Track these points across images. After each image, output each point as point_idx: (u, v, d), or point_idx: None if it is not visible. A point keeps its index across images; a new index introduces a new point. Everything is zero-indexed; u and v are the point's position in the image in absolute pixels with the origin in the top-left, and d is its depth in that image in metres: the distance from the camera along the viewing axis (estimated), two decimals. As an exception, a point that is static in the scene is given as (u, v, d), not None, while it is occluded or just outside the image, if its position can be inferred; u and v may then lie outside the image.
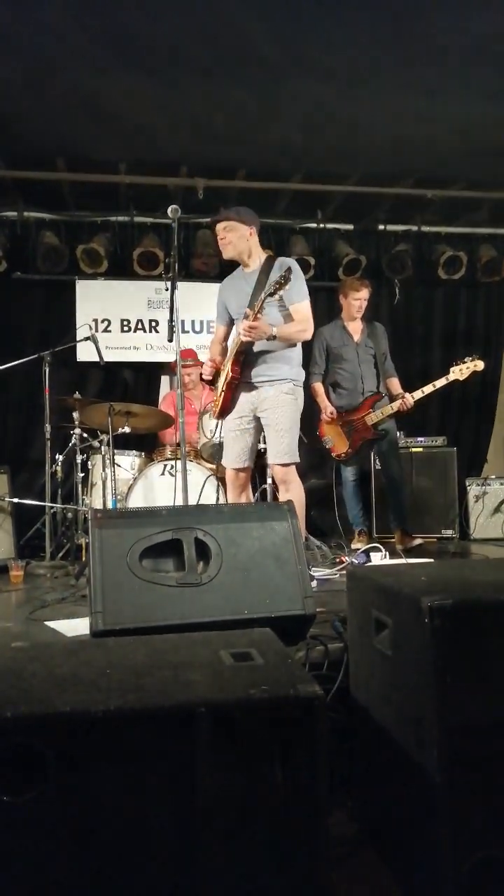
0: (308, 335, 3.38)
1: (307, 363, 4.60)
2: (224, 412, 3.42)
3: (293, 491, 3.30)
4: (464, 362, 4.42)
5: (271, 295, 3.17)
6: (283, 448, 3.28)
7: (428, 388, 4.45)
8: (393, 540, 4.58)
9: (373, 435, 4.53)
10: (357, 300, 4.65)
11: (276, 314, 3.29)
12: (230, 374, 3.31)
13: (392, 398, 4.57)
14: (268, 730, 1.15)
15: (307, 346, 5.66)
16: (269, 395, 3.30)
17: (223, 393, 3.38)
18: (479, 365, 4.41)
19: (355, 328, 4.72)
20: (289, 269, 3.21)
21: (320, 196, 5.48)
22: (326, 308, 5.88)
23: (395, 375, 4.73)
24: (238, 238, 3.40)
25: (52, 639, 2.37)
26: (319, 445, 4.69)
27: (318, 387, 4.73)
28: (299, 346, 3.41)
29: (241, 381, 3.33)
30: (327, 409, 4.61)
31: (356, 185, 5.25)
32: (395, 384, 4.67)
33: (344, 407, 4.62)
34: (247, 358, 3.31)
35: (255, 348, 3.28)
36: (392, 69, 3.78)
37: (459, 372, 4.40)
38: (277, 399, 3.29)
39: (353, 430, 4.55)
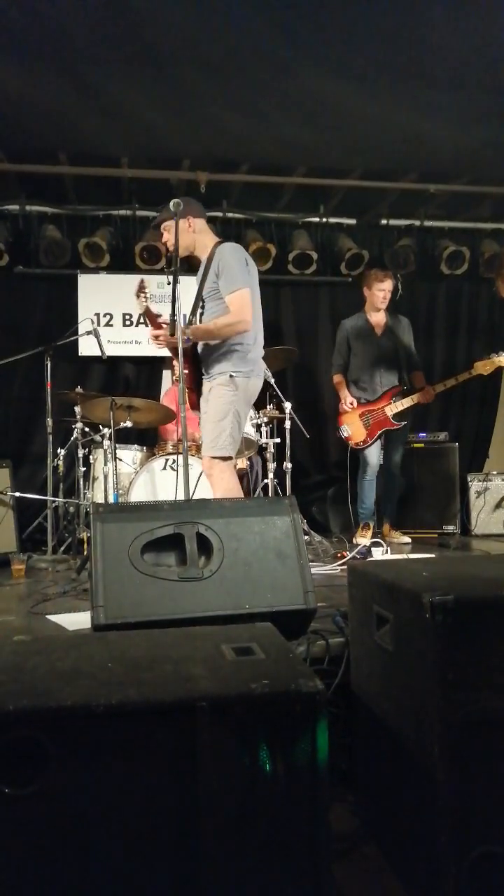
0: (243, 327, 3.11)
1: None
2: (195, 407, 3.38)
3: (216, 486, 3.16)
4: (489, 357, 4.47)
5: (202, 299, 3.14)
6: (208, 440, 3.15)
7: (450, 382, 4.57)
8: (418, 533, 4.70)
9: (392, 425, 4.60)
10: (381, 291, 4.68)
11: (217, 308, 3.18)
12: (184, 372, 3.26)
13: (414, 390, 4.61)
14: (269, 724, 1.15)
15: (324, 337, 5.76)
16: (208, 390, 3.23)
17: (186, 391, 3.32)
18: None
19: (378, 321, 4.75)
20: (219, 261, 3.12)
21: (323, 190, 5.47)
22: (329, 302, 5.90)
23: (421, 369, 4.81)
24: (178, 235, 3.25)
25: (54, 632, 2.37)
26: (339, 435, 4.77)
27: (339, 378, 4.82)
28: (252, 336, 3.19)
29: (197, 378, 3.29)
30: (347, 399, 4.68)
31: (359, 179, 5.24)
32: (419, 377, 4.72)
33: (363, 399, 4.66)
34: (195, 356, 3.27)
35: (199, 346, 3.25)
36: (395, 63, 3.75)
37: (483, 367, 4.46)
38: (212, 392, 3.18)
39: (373, 420, 4.60)
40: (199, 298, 3.27)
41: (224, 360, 3.17)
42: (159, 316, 3.25)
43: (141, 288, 3.34)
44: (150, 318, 3.30)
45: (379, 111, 4.24)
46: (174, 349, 3.10)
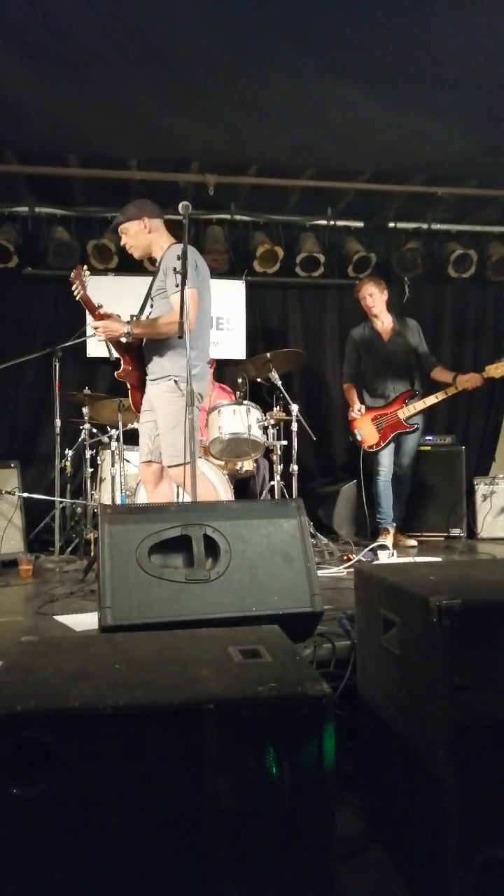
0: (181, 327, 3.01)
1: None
2: (138, 409, 3.35)
3: (188, 490, 3.07)
4: (501, 360, 4.48)
5: (151, 297, 3.11)
6: (168, 451, 3.10)
7: (464, 383, 4.53)
8: (425, 536, 4.67)
9: (405, 428, 4.61)
10: (362, 299, 4.71)
11: (164, 307, 3.14)
12: (124, 371, 3.26)
13: (434, 390, 4.61)
14: (275, 727, 1.15)
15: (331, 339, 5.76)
16: (153, 395, 3.20)
17: (129, 390, 3.34)
18: None
19: (384, 327, 4.75)
20: (167, 261, 3.08)
21: (331, 193, 5.46)
22: (337, 306, 5.90)
23: (439, 363, 4.79)
24: (135, 236, 3.26)
25: (61, 633, 2.38)
26: (352, 440, 4.78)
27: (349, 387, 4.84)
28: (197, 339, 3.10)
29: (141, 377, 3.26)
30: (355, 406, 4.68)
31: (367, 182, 5.23)
32: (441, 372, 4.70)
33: (377, 404, 4.69)
34: (138, 353, 3.24)
35: (144, 344, 3.23)
36: (402, 66, 3.75)
37: (495, 370, 4.45)
38: (160, 399, 3.15)
39: (386, 423, 4.62)
40: (148, 297, 3.26)
41: (167, 363, 3.13)
42: (100, 306, 3.14)
43: (77, 275, 3.17)
44: (88, 307, 3.16)
45: (387, 114, 4.24)
46: (116, 342, 3.13)
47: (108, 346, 4.27)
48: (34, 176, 4.99)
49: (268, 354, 4.41)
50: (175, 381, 3.09)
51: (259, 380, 4.67)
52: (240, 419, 4.13)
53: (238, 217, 5.62)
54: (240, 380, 4.45)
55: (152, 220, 3.28)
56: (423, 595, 1.39)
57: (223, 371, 5.54)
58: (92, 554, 3.91)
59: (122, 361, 3.29)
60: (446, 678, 1.32)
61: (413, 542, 4.71)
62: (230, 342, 5.70)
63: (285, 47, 3.60)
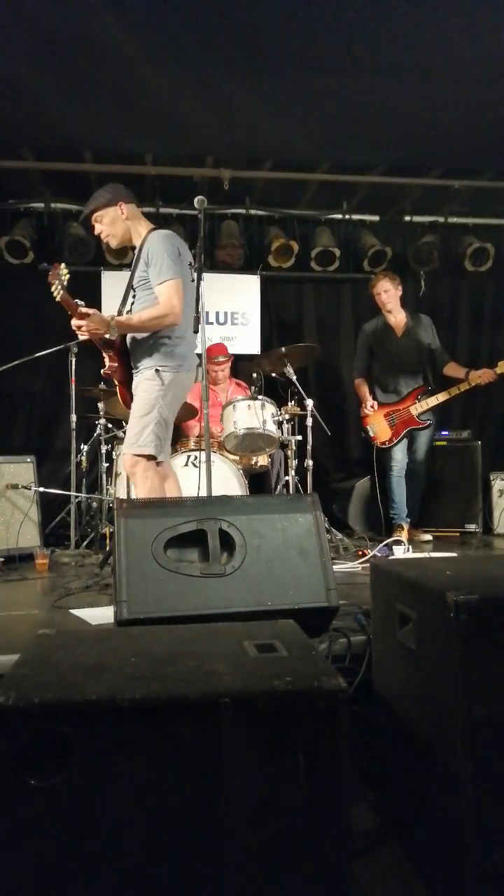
0: (170, 320, 2.94)
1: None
2: (127, 404, 3.22)
3: (138, 486, 2.99)
4: None
5: (133, 288, 2.99)
6: (131, 437, 2.98)
7: (476, 379, 4.53)
8: (440, 532, 4.69)
9: (417, 424, 4.60)
10: (377, 295, 4.69)
11: (147, 298, 3.04)
12: (109, 368, 3.15)
13: (445, 386, 4.60)
14: (291, 722, 1.15)
15: (346, 334, 5.74)
16: (135, 385, 3.09)
17: (118, 387, 3.23)
18: None
19: (397, 323, 4.73)
20: (149, 249, 2.95)
21: (346, 187, 5.44)
22: (352, 300, 5.88)
23: (452, 360, 4.77)
24: (111, 224, 3.12)
25: (77, 627, 2.40)
26: (365, 436, 4.77)
27: (360, 382, 4.83)
28: (182, 329, 3.02)
29: (127, 373, 3.14)
30: (367, 402, 4.68)
31: (382, 175, 5.20)
32: (454, 368, 4.69)
33: (389, 400, 4.68)
34: (122, 348, 3.12)
35: (128, 339, 3.10)
36: (417, 58, 3.73)
37: None
38: (139, 387, 3.04)
39: (398, 419, 4.61)
40: (130, 288, 3.12)
41: (151, 354, 3.03)
42: (79, 304, 2.99)
43: (54, 274, 3.00)
44: (69, 307, 2.99)
45: (402, 106, 4.21)
46: (101, 341, 3.00)
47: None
48: (50, 171, 5.01)
49: (283, 349, 4.41)
50: (156, 371, 2.98)
51: (274, 375, 4.67)
52: (255, 414, 4.13)
53: (253, 211, 5.62)
54: (255, 375, 4.45)
55: (128, 205, 3.12)
56: (440, 590, 1.38)
57: (238, 366, 5.53)
58: (107, 548, 3.93)
59: (106, 359, 3.16)
60: (463, 673, 1.31)
61: (428, 538, 4.70)
62: (245, 337, 5.70)
63: (300, 41, 3.58)
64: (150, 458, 2.96)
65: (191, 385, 3.18)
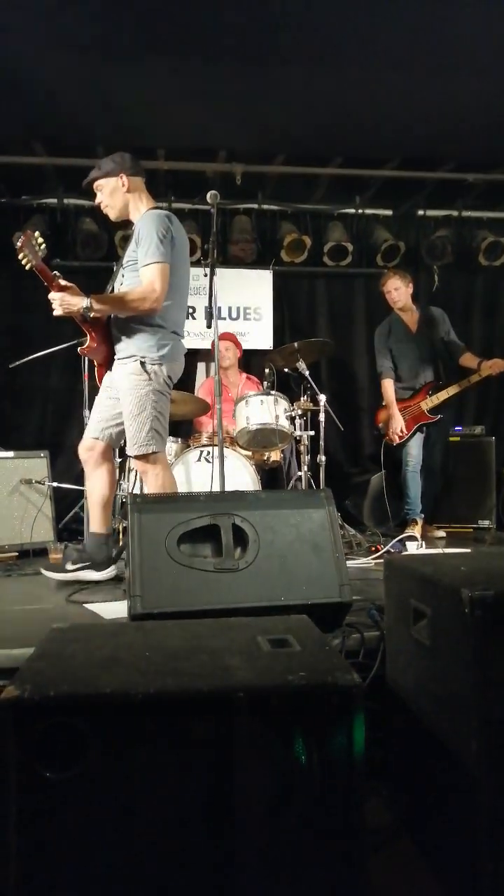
0: (149, 305, 2.80)
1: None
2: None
3: (150, 482, 2.94)
4: None
5: (123, 267, 2.88)
6: (131, 438, 2.89)
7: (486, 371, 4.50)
8: (453, 528, 4.68)
9: (427, 419, 4.58)
10: (388, 292, 4.68)
11: (134, 280, 2.92)
12: (88, 347, 3.01)
13: (458, 379, 4.57)
14: (305, 717, 1.15)
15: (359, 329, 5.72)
16: (118, 377, 2.96)
17: (96, 368, 3.14)
18: None
19: (411, 319, 4.71)
20: (140, 229, 2.83)
21: (359, 181, 5.41)
22: (365, 294, 5.85)
23: (467, 350, 4.72)
24: (111, 194, 2.98)
25: (91, 621, 2.41)
26: (376, 433, 4.76)
27: (388, 384, 4.71)
28: (172, 319, 2.94)
29: (109, 354, 3.02)
30: (396, 423, 4.57)
31: (396, 169, 5.17)
32: (469, 358, 4.65)
33: (402, 398, 4.67)
34: (105, 329, 2.99)
35: (112, 318, 2.97)
36: (434, 51, 3.70)
37: None
38: (123, 382, 2.91)
39: (409, 415, 4.60)
40: (119, 268, 3.02)
41: (135, 343, 2.90)
42: (58, 276, 2.84)
43: (25, 241, 2.74)
44: (45, 277, 2.81)
45: (415, 99, 4.18)
46: (78, 316, 2.86)
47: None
48: (62, 167, 5.01)
49: (295, 344, 4.39)
50: (142, 363, 2.87)
51: (286, 370, 4.66)
52: (267, 409, 4.12)
53: (265, 206, 5.59)
54: (267, 370, 4.44)
55: (132, 177, 2.99)
56: (455, 586, 1.38)
57: (250, 361, 5.53)
58: (120, 543, 3.94)
59: (88, 337, 3.02)
60: (477, 670, 1.31)
61: (441, 534, 4.68)
62: (257, 332, 5.69)
63: (312, 35, 3.56)
64: (154, 454, 2.92)
65: (177, 376, 3.03)
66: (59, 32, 3.47)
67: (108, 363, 3.06)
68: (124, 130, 4.56)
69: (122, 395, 2.94)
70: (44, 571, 3.17)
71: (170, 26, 3.49)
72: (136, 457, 2.93)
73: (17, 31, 3.44)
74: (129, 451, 2.95)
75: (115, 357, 3.01)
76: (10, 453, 4.28)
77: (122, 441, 3.09)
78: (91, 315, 2.84)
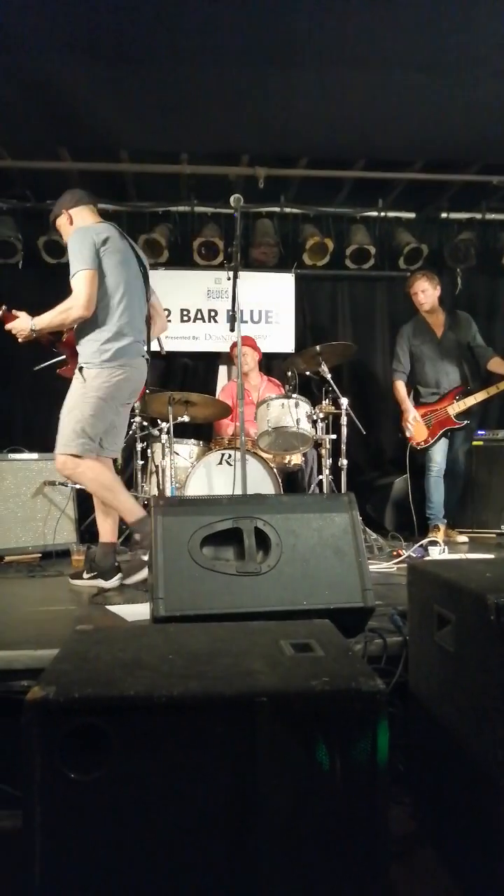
0: (77, 312, 2.87)
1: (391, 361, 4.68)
2: None
3: (82, 482, 3.01)
4: None
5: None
6: (58, 437, 2.97)
7: None
8: (476, 533, 4.66)
9: (454, 424, 4.56)
10: (415, 294, 4.65)
11: None
12: (69, 368, 3.13)
13: (486, 385, 4.54)
14: (328, 722, 1.15)
15: (381, 332, 5.70)
16: None
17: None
18: None
19: (436, 322, 4.69)
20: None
21: (382, 184, 5.39)
22: (387, 298, 5.83)
23: (495, 354, 4.68)
24: (64, 232, 3.14)
25: (114, 623, 2.42)
26: (401, 436, 4.73)
27: (400, 385, 4.74)
28: (113, 326, 2.97)
29: None
30: (409, 413, 4.61)
31: (419, 172, 5.14)
32: (499, 363, 4.61)
33: (427, 402, 4.66)
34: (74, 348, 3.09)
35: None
36: (453, 52, 3.67)
37: None
38: (72, 383, 3.03)
39: (435, 419, 4.57)
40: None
41: (83, 351, 2.99)
42: (4, 309, 2.98)
43: None
44: None
45: (439, 101, 4.15)
46: (43, 340, 3.01)
47: (158, 340, 4.28)
48: (87, 172, 5.05)
49: (317, 347, 4.38)
50: (80, 368, 2.97)
51: (308, 373, 4.65)
52: (288, 412, 4.12)
53: (288, 209, 5.59)
54: (289, 373, 4.44)
55: (72, 209, 3.13)
56: (480, 592, 1.36)
57: (272, 364, 5.53)
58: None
59: (66, 359, 3.17)
60: (503, 677, 1.29)
61: (464, 539, 4.64)
62: (279, 336, 5.69)
63: (336, 36, 3.56)
64: (77, 456, 2.94)
65: (125, 384, 3.03)
66: (82, 38, 3.50)
67: None
68: (147, 136, 4.59)
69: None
70: (71, 581, 3.26)
71: (191, 31, 3.50)
72: (59, 455, 2.96)
73: (40, 37, 3.48)
74: (56, 448, 3.00)
75: None
76: (35, 455, 4.32)
77: (116, 447, 3.20)
78: (35, 335, 2.95)
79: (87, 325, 2.96)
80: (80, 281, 2.87)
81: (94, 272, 2.89)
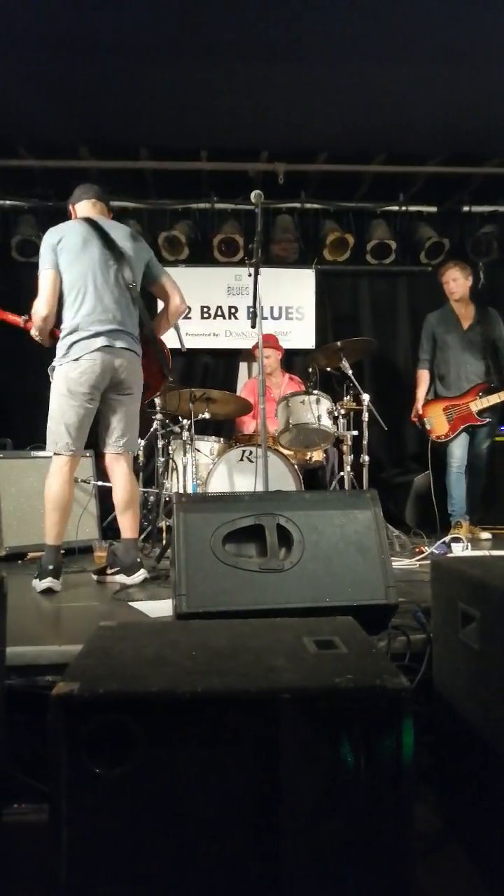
0: (38, 313, 2.98)
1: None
2: None
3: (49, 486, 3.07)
4: None
5: None
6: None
7: None
8: (498, 529, 4.64)
9: (475, 421, 4.52)
10: (446, 283, 4.61)
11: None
12: None
13: None
14: (352, 720, 1.14)
15: (402, 328, 5.67)
16: None
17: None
18: None
19: (465, 314, 4.65)
20: None
21: (403, 178, 5.35)
22: (408, 293, 5.79)
23: None
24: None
25: (137, 619, 2.43)
26: (421, 428, 4.72)
27: (423, 374, 4.75)
28: (70, 322, 2.99)
29: None
30: (416, 407, 4.61)
31: (440, 165, 5.10)
32: None
33: (448, 395, 4.61)
34: None
35: None
36: (473, 44, 3.63)
37: None
38: None
39: (456, 414, 4.53)
40: None
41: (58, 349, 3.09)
42: (21, 317, 3.16)
43: None
44: (12, 322, 3.21)
45: (459, 94, 4.12)
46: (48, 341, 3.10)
47: (179, 337, 4.28)
48: (107, 170, 5.07)
49: (338, 343, 4.37)
50: (50, 369, 3.07)
51: (329, 369, 4.63)
52: (309, 409, 4.11)
53: (308, 205, 5.57)
54: (310, 369, 4.42)
55: (76, 204, 3.26)
56: (506, 589, 1.35)
57: (293, 361, 5.52)
58: (164, 541, 3.98)
59: None
60: (530, 675, 1.28)
61: (487, 535, 4.60)
62: (300, 332, 5.68)
63: (355, 30, 3.53)
64: (59, 455, 3.05)
65: (86, 376, 2.98)
66: (101, 36, 3.51)
67: None
68: (167, 132, 4.60)
69: None
70: (94, 577, 3.28)
71: (213, 28, 3.50)
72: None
73: (60, 35, 3.50)
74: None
75: None
76: (57, 453, 4.34)
77: (122, 442, 3.29)
78: (40, 338, 3.10)
79: (61, 324, 3.04)
80: (40, 282, 3.00)
81: (52, 272, 2.99)
